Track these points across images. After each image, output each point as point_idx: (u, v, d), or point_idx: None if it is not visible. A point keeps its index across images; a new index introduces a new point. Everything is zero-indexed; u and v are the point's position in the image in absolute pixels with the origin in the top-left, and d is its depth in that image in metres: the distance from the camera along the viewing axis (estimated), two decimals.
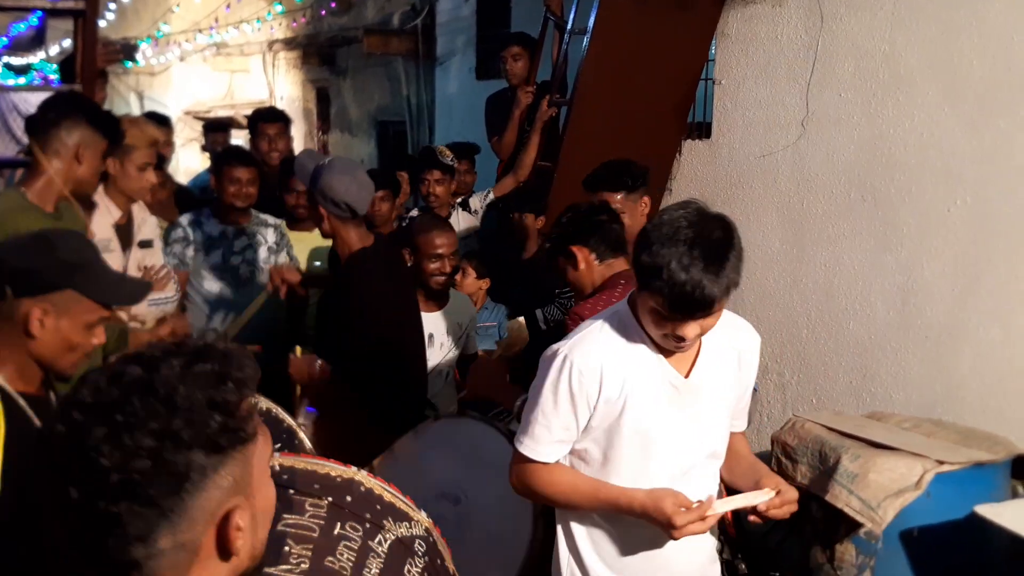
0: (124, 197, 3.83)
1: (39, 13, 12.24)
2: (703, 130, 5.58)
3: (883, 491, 3.54)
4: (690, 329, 2.19)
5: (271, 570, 1.35)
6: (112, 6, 13.27)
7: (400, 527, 1.58)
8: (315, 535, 1.46)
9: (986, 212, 4.25)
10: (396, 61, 10.44)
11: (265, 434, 1.20)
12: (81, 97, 3.39)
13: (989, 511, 3.27)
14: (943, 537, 3.54)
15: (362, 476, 1.62)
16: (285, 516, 1.44)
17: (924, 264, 4.49)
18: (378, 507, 1.58)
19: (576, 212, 3.54)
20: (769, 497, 2.30)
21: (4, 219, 2.88)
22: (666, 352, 2.33)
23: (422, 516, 1.63)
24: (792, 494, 2.32)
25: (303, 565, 1.41)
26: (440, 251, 4.04)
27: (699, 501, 2.27)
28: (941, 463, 3.58)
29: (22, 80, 13.47)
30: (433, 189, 5.17)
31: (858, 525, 3.61)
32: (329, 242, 3.87)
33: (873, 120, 4.68)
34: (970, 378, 4.31)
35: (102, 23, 12.39)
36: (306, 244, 4.92)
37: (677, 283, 2.09)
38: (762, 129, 5.24)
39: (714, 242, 2.12)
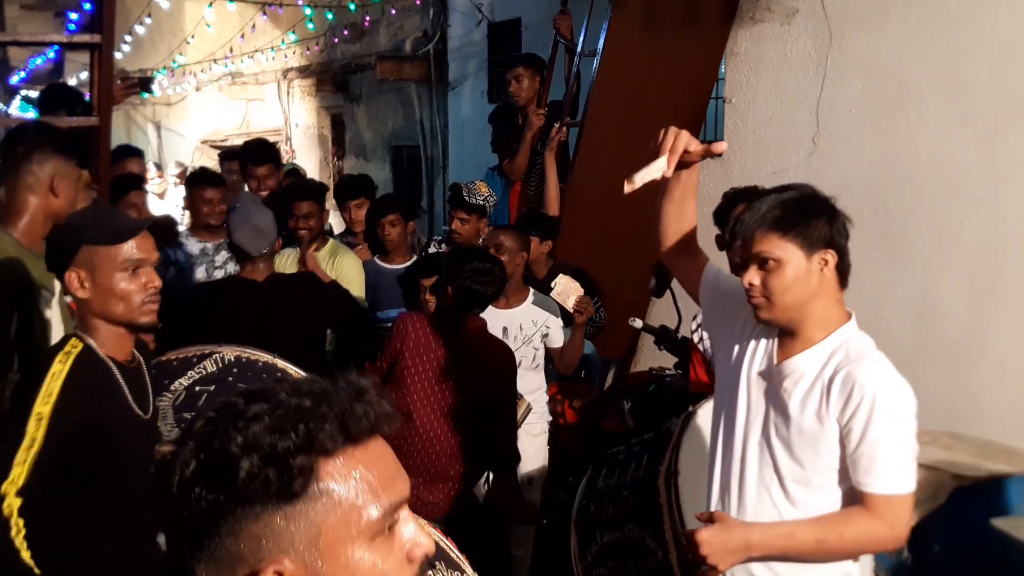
0: None
1: (56, 47, 12.40)
2: None
3: None
4: (748, 274, 2.28)
5: None
6: (128, 38, 13.44)
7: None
8: None
9: (1000, 226, 4.25)
10: (409, 86, 10.52)
11: (357, 501, 1.11)
12: (48, 127, 3.25)
13: (1008, 524, 3.26)
14: (962, 551, 3.52)
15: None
16: None
17: (939, 279, 4.48)
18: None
19: None
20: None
21: (13, 265, 2.82)
22: (782, 339, 2.38)
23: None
24: None
25: None
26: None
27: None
28: (960, 477, 3.56)
29: None
30: (457, 227, 5.17)
31: None
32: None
33: (884, 136, 4.69)
34: (987, 391, 4.29)
35: (118, 55, 12.55)
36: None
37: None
38: (773, 147, 5.26)
39: (784, 187, 2.34)
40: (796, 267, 2.24)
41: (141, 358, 2.54)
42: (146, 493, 2.38)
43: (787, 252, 2.24)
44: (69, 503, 2.29)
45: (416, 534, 1.16)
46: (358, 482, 1.11)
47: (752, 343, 2.43)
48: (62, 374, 2.27)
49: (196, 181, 5.15)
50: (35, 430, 2.20)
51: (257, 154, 5.80)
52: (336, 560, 1.09)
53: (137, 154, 5.87)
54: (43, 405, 2.23)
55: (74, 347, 2.34)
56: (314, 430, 1.08)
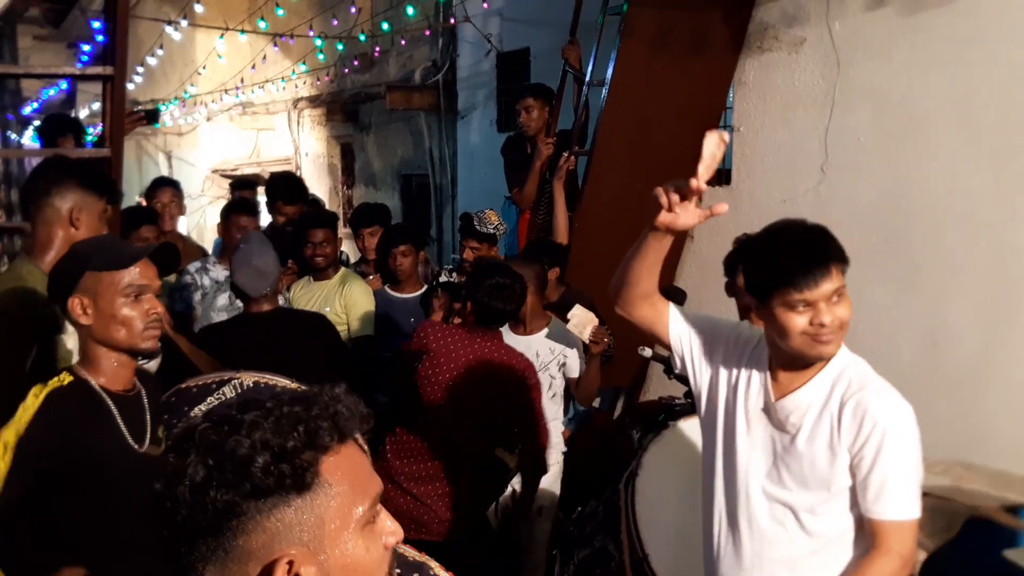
0: None
1: (68, 78, 12.49)
2: (723, 177, 5.61)
3: None
4: (823, 312, 2.18)
5: None
6: (140, 69, 13.54)
7: None
8: None
9: (1010, 253, 4.24)
10: (418, 116, 10.58)
11: (351, 493, 1.22)
12: (68, 160, 3.26)
13: (1020, 556, 3.23)
14: None
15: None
16: None
17: (949, 306, 4.47)
18: None
19: None
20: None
21: (39, 299, 2.80)
22: (776, 373, 2.37)
23: None
24: None
25: None
26: None
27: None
28: (973, 507, 3.53)
29: None
30: (469, 256, 5.21)
31: None
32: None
33: (892, 164, 4.69)
34: (999, 419, 4.27)
35: (130, 86, 12.63)
36: (325, 292, 5.00)
37: (785, 250, 2.21)
38: (782, 175, 5.27)
39: (796, 222, 2.27)
40: (846, 293, 2.26)
41: (142, 388, 2.54)
42: (146, 522, 2.47)
43: (842, 280, 2.25)
44: (48, 528, 2.33)
45: (391, 525, 1.27)
46: (350, 475, 1.22)
47: (742, 379, 2.43)
48: (34, 406, 2.30)
49: (232, 209, 5.27)
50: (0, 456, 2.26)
51: (291, 193, 5.88)
52: (336, 548, 1.19)
53: (171, 184, 5.88)
54: (10, 434, 2.27)
55: (60, 381, 2.36)
56: (312, 430, 1.19)
